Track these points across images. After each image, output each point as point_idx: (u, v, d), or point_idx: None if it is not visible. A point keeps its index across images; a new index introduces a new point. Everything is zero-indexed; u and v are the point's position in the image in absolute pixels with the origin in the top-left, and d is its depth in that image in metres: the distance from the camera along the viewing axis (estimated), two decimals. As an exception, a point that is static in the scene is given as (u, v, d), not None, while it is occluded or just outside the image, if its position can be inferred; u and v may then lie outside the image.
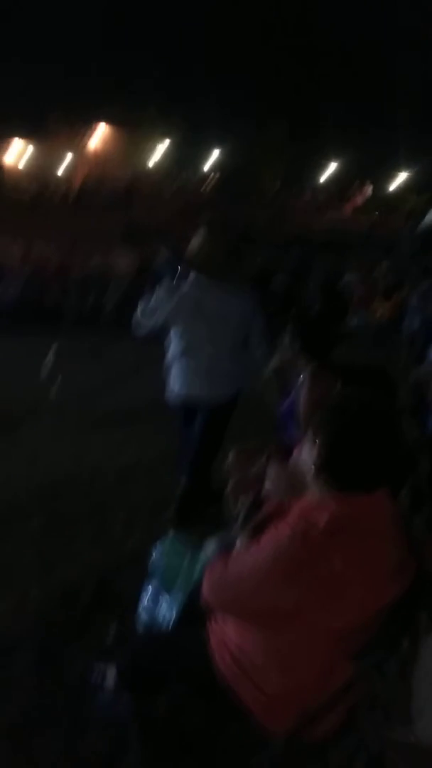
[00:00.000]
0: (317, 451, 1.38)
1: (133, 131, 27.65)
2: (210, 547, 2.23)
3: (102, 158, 28.19)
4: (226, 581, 1.43)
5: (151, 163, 28.42)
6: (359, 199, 25.78)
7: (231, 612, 1.48)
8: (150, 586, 2.37)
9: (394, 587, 1.33)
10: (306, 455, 1.47)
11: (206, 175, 28.18)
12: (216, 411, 3.14)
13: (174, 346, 3.20)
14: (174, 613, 2.14)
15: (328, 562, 1.30)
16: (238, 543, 1.64)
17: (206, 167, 28.84)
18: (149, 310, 3.11)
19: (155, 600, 2.31)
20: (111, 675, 1.90)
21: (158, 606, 2.27)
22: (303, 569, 1.31)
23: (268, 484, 2.19)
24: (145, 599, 2.35)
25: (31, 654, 2.17)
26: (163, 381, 4.77)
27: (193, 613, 1.85)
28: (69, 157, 27.90)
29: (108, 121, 28.17)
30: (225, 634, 1.52)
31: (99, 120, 28.17)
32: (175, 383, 3.22)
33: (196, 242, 3.11)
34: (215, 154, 28.87)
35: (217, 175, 27.94)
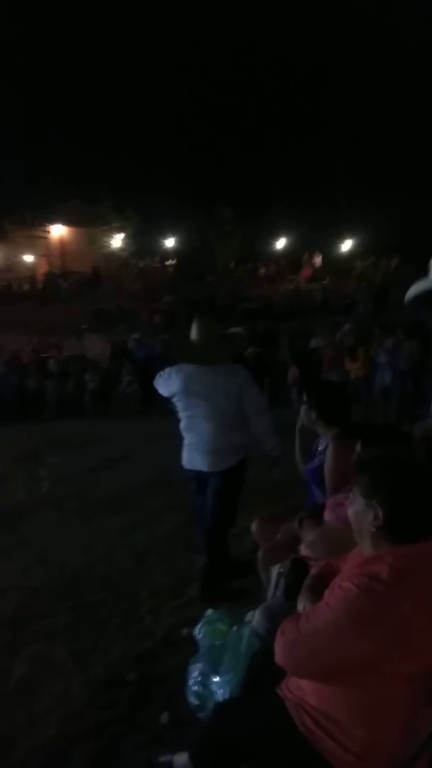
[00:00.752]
0: (377, 512, 1.49)
1: (92, 225, 29.01)
2: (257, 619, 2.27)
3: (64, 251, 29.30)
4: (301, 639, 1.50)
5: (112, 252, 29.61)
6: (312, 267, 27.20)
7: (309, 670, 1.53)
8: (194, 669, 2.37)
9: (462, 625, 1.43)
10: (357, 516, 1.58)
11: (164, 259, 29.49)
12: (223, 480, 3.21)
13: (181, 421, 3.35)
14: (229, 692, 2.15)
15: (397, 609, 1.39)
16: (301, 606, 1.72)
17: (163, 252, 30.25)
18: (159, 386, 3.32)
19: (204, 682, 2.31)
20: (179, 761, 1.88)
21: (208, 688, 2.27)
22: (374, 620, 1.40)
23: (304, 547, 2.28)
24: (192, 682, 2.34)
25: (86, 754, 2.12)
26: (152, 462, 4.79)
27: (257, 683, 1.88)
28: (34, 254, 28.95)
29: (67, 219, 29.59)
30: (301, 698, 1.56)
31: (59, 219, 29.57)
32: (183, 457, 3.35)
33: (193, 337, 3.26)
34: (170, 240, 30.40)
35: (174, 260, 29.29)
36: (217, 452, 3.18)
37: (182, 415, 3.30)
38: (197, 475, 3.30)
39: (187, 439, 3.31)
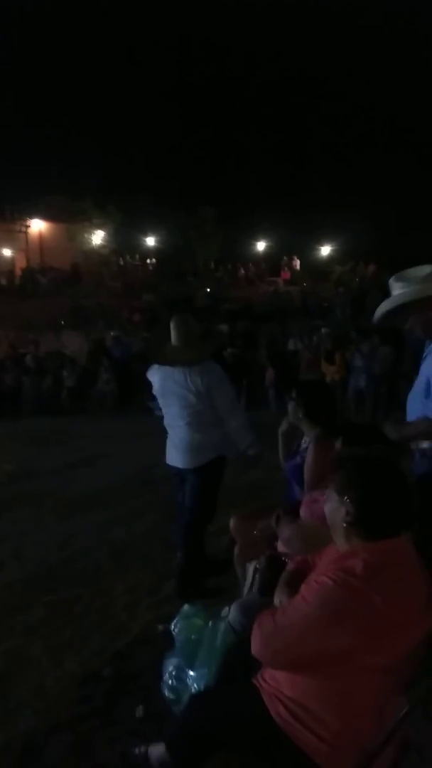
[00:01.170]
0: (348, 508, 1.55)
1: (73, 221, 28.72)
2: (232, 614, 2.31)
3: (44, 247, 28.95)
4: (278, 632, 1.54)
5: (92, 249, 29.36)
6: (291, 270, 27.42)
7: (283, 661, 1.58)
8: (170, 663, 2.41)
9: (430, 618, 1.50)
10: (331, 512, 1.64)
11: (144, 257, 29.38)
12: (199, 477, 3.25)
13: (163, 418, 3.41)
14: (203, 686, 2.18)
15: (370, 603, 1.45)
16: (278, 600, 1.77)
17: (144, 250, 30.13)
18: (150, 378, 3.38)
19: (179, 677, 2.34)
20: (155, 753, 1.91)
21: (183, 682, 2.31)
22: (348, 612, 1.45)
23: (281, 544, 2.34)
24: (167, 676, 2.38)
25: (62, 746, 2.13)
26: (130, 460, 4.67)
27: (232, 677, 1.93)
28: (12, 249, 28.54)
29: (47, 214, 29.24)
30: (276, 688, 1.61)
31: (38, 214, 29.21)
32: (166, 453, 3.39)
33: (173, 339, 3.26)
34: (151, 239, 30.32)
35: (154, 258, 29.20)
36: (191, 449, 3.23)
37: (163, 412, 3.36)
38: (178, 471, 3.34)
39: (168, 436, 3.37)
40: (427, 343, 2.38)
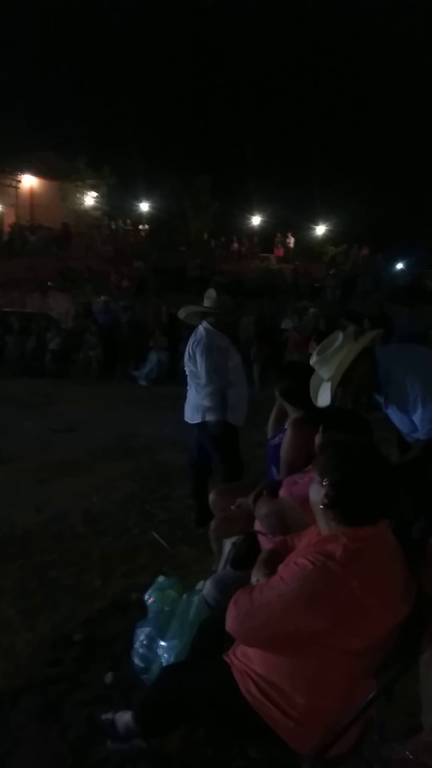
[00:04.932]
0: (326, 491, 1.56)
1: (66, 179, 27.97)
2: (206, 589, 2.32)
3: (35, 204, 28.20)
4: (253, 610, 1.55)
5: (84, 210, 28.69)
6: (284, 248, 27.15)
7: (257, 639, 1.59)
8: (141, 632, 2.42)
9: (404, 606, 1.51)
10: (313, 494, 1.65)
11: (137, 223, 28.83)
12: (202, 433, 3.57)
13: None
14: (173, 657, 2.20)
15: (347, 588, 1.45)
16: (255, 578, 1.77)
17: (137, 215, 29.56)
18: None
19: (149, 646, 2.36)
20: (122, 720, 1.93)
21: (154, 651, 2.33)
22: (326, 596, 1.46)
23: (258, 523, 2.34)
24: (138, 645, 2.39)
25: (29, 708, 2.14)
26: (112, 428, 4.53)
27: (203, 650, 1.94)
28: (1, 204, 27.75)
29: (39, 170, 28.43)
30: (247, 665, 1.62)
31: (30, 169, 28.37)
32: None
33: (210, 302, 3.58)
34: (144, 204, 29.74)
35: (147, 225, 28.69)
36: (192, 406, 3.60)
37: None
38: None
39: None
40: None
